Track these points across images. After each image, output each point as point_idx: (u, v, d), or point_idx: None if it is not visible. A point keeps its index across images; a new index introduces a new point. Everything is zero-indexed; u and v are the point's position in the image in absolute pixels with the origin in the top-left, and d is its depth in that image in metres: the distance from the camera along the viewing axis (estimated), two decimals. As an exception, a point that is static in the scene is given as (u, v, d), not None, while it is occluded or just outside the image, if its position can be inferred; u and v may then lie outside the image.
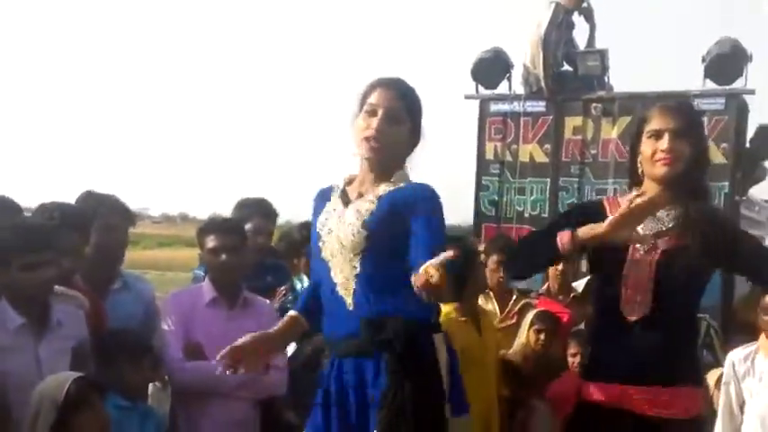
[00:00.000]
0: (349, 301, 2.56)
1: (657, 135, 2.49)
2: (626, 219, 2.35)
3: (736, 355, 3.48)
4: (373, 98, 2.59)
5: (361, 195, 2.61)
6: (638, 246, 2.51)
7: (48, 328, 2.95)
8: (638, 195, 2.41)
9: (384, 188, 2.58)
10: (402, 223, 2.48)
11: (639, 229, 2.49)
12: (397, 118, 2.57)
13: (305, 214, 4.90)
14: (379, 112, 2.56)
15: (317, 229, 2.66)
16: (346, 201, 2.64)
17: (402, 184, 2.59)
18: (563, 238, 2.44)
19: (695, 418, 2.60)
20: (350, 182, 2.69)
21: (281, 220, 4.77)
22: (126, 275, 3.62)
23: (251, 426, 3.49)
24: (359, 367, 2.53)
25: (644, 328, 2.51)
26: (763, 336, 3.48)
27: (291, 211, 4.38)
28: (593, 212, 2.53)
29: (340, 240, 2.57)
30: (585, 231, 2.42)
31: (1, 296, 2.88)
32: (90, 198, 3.51)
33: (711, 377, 3.87)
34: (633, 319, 2.52)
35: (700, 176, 2.60)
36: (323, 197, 2.73)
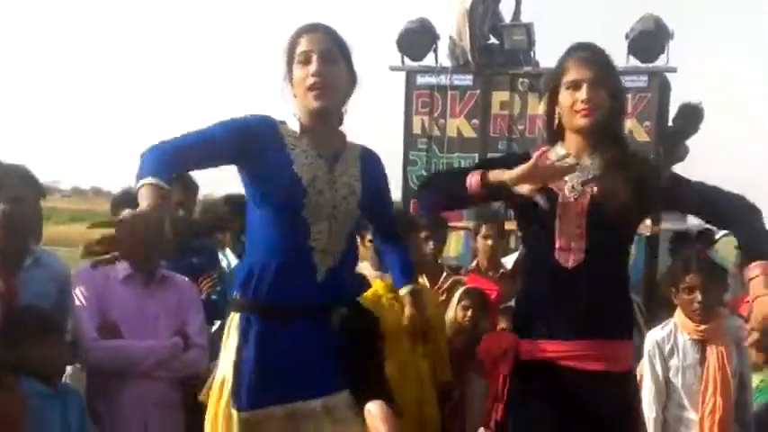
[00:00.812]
0: (322, 271, 2.47)
1: (576, 86, 2.50)
2: (531, 172, 2.37)
3: (657, 335, 3.54)
4: (303, 45, 2.48)
5: (335, 157, 2.53)
6: (566, 192, 2.52)
7: None
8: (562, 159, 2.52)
9: (353, 155, 2.57)
10: (369, 203, 2.57)
11: (567, 178, 2.52)
12: (333, 58, 2.47)
13: (226, 187, 4.77)
14: (314, 57, 2.45)
15: (303, 182, 2.44)
16: (327, 160, 2.50)
17: (359, 149, 2.60)
18: (473, 176, 2.47)
19: (631, 369, 2.67)
20: (301, 132, 2.50)
21: (200, 194, 4.58)
22: (38, 252, 3.40)
23: (173, 406, 3.37)
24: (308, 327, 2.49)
25: (580, 278, 2.50)
26: (679, 312, 3.51)
27: (211, 183, 4.20)
28: (515, 162, 2.48)
29: (333, 209, 2.47)
30: (495, 174, 2.44)
31: None
32: None
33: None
34: (569, 266, 2.51)
35: (619, 124, 2.65)
36: (273, 131, 2.48)
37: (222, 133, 2.37)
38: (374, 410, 2.46)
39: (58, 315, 3.12)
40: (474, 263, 4.76)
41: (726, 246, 8.12)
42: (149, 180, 2.14)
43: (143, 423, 3.26)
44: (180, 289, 3.47)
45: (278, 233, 2.44)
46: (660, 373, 3.48)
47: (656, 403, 3.45)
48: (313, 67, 2.43)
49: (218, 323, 3.68)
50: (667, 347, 3.48)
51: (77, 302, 3.26)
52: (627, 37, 5.99)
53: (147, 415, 3.27)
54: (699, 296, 3.39)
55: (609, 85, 2.53)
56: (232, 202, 4.64)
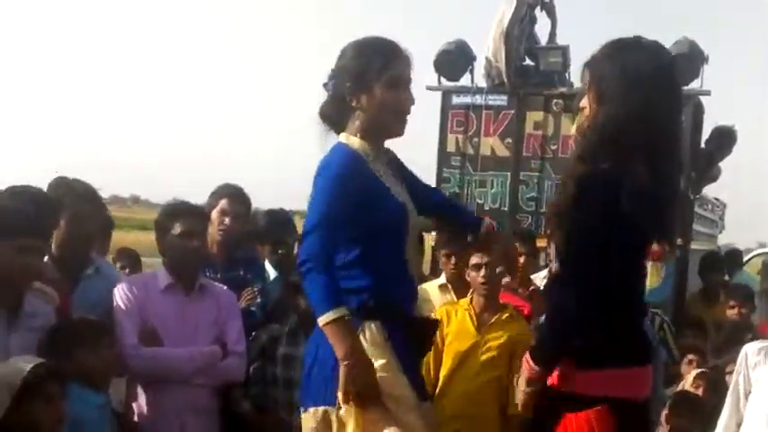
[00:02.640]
0: (412, 280, 2.67)
1: None
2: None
3: (750, 348, 3.49)
4: (394, 69, 2.55)
5: (391, 174, 2.63)
6: None
7: (20, 319, 2.92)
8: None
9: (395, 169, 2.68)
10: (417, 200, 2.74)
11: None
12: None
13: (269, 202, 4.88)
14: (405, 84, 2.57)
15: (401, 201, 2.59)
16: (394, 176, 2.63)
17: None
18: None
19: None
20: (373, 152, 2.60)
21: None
22: (100, 262, 3.58)
23: (211, 413, 3.47)
24: None
25: None
26: None
27: (255, 198, 4.31)
28: None
29: (414, 221, 2.62)
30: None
31: None
32: (61, 185, 3.45)
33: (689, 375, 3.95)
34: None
35: None
36: (363, 167, 2.55)
37: (336, 211, 2.45)
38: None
39: (109, 323, 3.25)
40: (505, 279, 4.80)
41: (754, 266, 8.12)
42: (333, 316, 2.35)
43: (180, 427, 3.34)
44: (219, 298, 3.54)
45: (386, 253, 2.56)
46: (741, 383, 3.40)
47: (727, 409, 3.42)
48: (408, 94, 2.55)
49: (254, 332, 3.78)
50: (756, 358, 3.39)
51: (118, 310, 3.36)
52: (662, 61, 6.01)
53: (185, 420, 3.34)
54: None
55: None
56: (272, 216, 4.75)
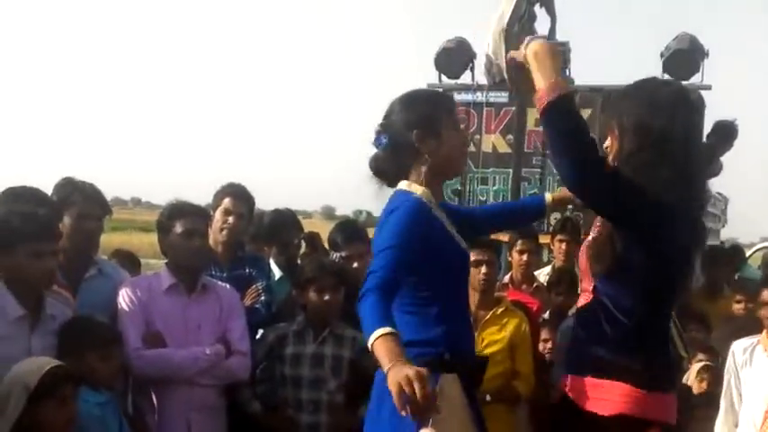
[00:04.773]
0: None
1: None
2: None
3: (738, 346, 3.52)
4: (455, 113, 2.69)
5: (449, 219, 2.63)
6: None
7: (41, 321, 2.95)
8: None
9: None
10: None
11: None
12: None
13: (274, 202, 4.87)
14: (460, 124, 2.71)
15: (464, 248, 2.62)
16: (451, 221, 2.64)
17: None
18: None
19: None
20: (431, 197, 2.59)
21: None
22: (102, 263, 3.59)
23: (218, 413, 3.49)
24: None
25: None
26: (765, 330, 3.48)
27: (261, 198, 4.31)
28: None
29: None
30: None
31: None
32: (68, 185, 3.46)
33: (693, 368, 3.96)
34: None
35: None
36: (429, 215, 2.53)
37: (407, 257, 2.37)
38: None
39: (114, 326, 3.27)
40: (507, 276, 4.82)
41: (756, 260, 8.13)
42: (382, 332, 2.16)
43: (187, 427, 3.35)
44: (221, 297, 3.54)
45: (453, 300, 2.57)
46: (734, 383, 3.46)
47: (722, 410, 3.46)
48: (466, 133, 2.74)
49: (261, 331, 3.80)
50: (743, 357, 3.45)
51: (122, 311, 3.37)
52: (662, 55, 6.04)
53: (191, 419, 3.35)
54: None
55: None
56: (277, 216, 4.77)
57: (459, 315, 2.60)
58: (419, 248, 2.39)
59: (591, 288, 2.47)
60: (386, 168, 2.61)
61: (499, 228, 3.02)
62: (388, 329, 2.14)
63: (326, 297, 3.57)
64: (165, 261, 3.58)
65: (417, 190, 2.54)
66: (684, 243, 2.35)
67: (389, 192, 2.62)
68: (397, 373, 2.00)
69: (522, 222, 3.56)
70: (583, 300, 2.55)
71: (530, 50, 2.38)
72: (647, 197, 2.28)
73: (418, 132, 2.54)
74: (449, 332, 2.49)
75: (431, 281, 2.50)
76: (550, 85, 2.29)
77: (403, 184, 2.58)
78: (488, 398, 3.67)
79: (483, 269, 3.80)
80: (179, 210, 3.50)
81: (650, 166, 2.31)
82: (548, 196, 2.94)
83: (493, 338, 3.81)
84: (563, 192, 2.85)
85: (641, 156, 2.35)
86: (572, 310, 4.39)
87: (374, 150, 2.63)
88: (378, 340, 2.12)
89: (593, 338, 2.44)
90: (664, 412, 2.39)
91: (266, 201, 4.98)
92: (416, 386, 1.94)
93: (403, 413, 1.98)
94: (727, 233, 8.64)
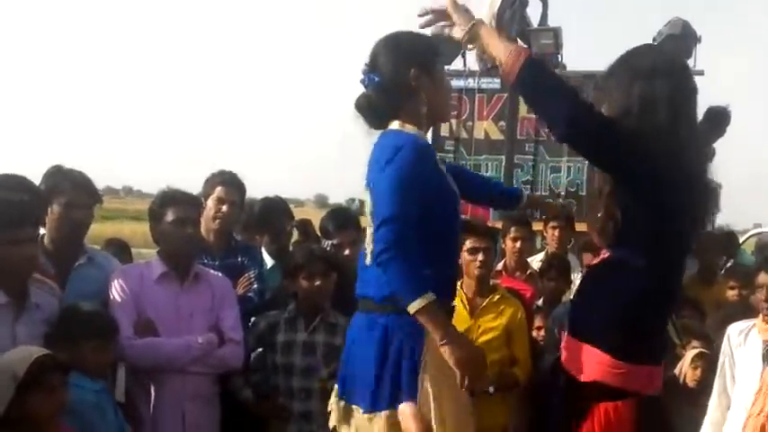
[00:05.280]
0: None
1: None
2: None
3: (734, 329, 3.52)
4: (441, 61, 2.67)
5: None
6: None
7: (26, 309, 2.92)
8: None
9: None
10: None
11: None
12: None
13: (266, 190, 4.83)
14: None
15: (454, 189, 2.60)
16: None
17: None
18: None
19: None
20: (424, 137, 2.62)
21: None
22: (92, 252, 3.56)
23: (211, 401, 3.48)
24: None
25: None
26: (761, 314, 3.47)
27: (253, 187, 4.29)
28: None
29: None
30: None
31: None
32: (57, 173, 3.42)
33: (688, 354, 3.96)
34: None
35: None
36: (433, 157, 2.56)
37: (413, 197, 2.40)
38: (407, 410, 2.45)
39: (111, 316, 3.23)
40: (501, 263, 4.80)
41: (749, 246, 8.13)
42: (423, 302, 2.34)
43: (181, 416, 3.34)
44: (214, 285, 3.53)
45: (447, 244, 2.57)
46: (727, 365, 3.46)
47: (716, 392, 3.46)
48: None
49: (253, 319, 3.78)
50: (738, 339, 3.45)
51: (113, 300, 3.34)
52: (654, 41, 6.02)
53: (185, 408, 3.34)
54: (766, 295, 3.36)
55: None
56: (268, 204, 4.74)
57: (451, 257, 2.61)
58: (424, 192, 2.42)
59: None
60: (377, 107, 2.56)
61: (470, 198, 3.02)
62: (428, 299, 2.33)
63: (317, 283, 3.56)
64: (157, 250, 3.56)
65: (412, 130, 2.53)
66: (684, 196, 2.34)
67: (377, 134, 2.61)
68: (458, 350, 2.33)
69: (494, 204, 3.53)
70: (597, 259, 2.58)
71: (473, 35, 2.47)
72: (643, 144, 2.29)
73: (415, 70, 2.52)
74: (439, 273, 2.48)
75: (430, 224, 2.47)
76: (512, 53, 2.34)
77: (395, 125, 2.56)
78: (492, 389, 3.68)
79: (480, 256, 3.78)
80: (171, 198, 3.48)
81: (637, 130, 2.33)
82: (527, 195, 3.00)
83: (489, 326, 3.80)
84: (539, 197, 2.93)
85: (629, 120, 2.36)
86: (565, 297, 4.40)
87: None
88: (422, 311, 2.33)
89: (597, 296, 2.47)
90: (642, 384, 2.39)
91: (259, 189, 4.95)
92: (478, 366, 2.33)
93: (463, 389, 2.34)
94: (721, 220, 8.66)
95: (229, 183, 4.04)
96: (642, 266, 2.35)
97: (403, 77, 2.54)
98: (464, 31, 2.50)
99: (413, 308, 2.33)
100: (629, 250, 2.37)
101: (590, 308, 2.49)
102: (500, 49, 2.39)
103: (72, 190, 3.36)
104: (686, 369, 3.92)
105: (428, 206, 2.44)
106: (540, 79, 2.35)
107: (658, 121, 2.33)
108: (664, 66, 2.43)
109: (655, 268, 2.36)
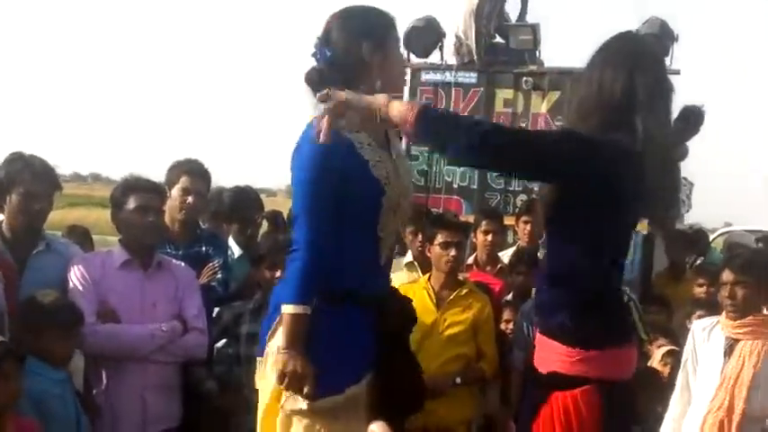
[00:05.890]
0: (383, 255, 2.61)
1: None
2: None
3: (698, 325, 3.53)
4: (394, 36, 2.63)
5: (388, 142, 2.59)
6: None
7: None
8: None
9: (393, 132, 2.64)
10: None
11: None
12: None
13: (237, 179, 4.75)
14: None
15: (381, 182, 2.50)
16: (385, 148, 2.56)
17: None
18: None
19: None
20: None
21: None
22: (50, 239, 3.48)
23: (173, 391, 3.43)
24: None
25: None
26: (724, 311, 3.46)
27: (226, 176, 4.23)
28: None
29: (403, 193, 2.58)
30: None
31: None
32: (17, 161, 3.33)
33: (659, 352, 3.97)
34: None
35: None
36: (347, 149, 2.47)
37: (329, 200, 2.40)
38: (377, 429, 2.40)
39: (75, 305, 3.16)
40: (472, 257, 4.78)
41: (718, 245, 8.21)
42: (297, 310, 2.37)
43: (141, 405, 3.29)
44: (177, 274, 3.50)
45: (365, 230, 2.52)
46: (690, 361, 3.46)
47: (678, 387, 3.47)
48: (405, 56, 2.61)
49: (217, 309, 3.74)
50: (701, 335, 3.46)
51: (74, 288, 3.29)
52: (632, 39, 6.00)
53: (146, 397, 3.30)
54: (729, 292, 3.36)
55: None
56: (238, 194, 4.68)
57: (370, 249, 2.55)
58: (333, 183, 2.40)
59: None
60: (328, 82, 2.47)
61: None
62: (305, 310, 2.36)
63: (279, 274, 3.49)
64: (119, 238, 3.50)
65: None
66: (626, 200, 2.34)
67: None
68: (288, 365, 2.34)
69: None
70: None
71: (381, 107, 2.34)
72: (588, 144, 2.29)
73: (368, 45, 2.50)
74: (356, 264, 2.48)
75: (342, 209, 2.45)
76: (406, 108, 2.29)
77: None
78: (458, 380, 3.71)
79: (452, 251, 3.79)
80: (133, 185, 3.44)
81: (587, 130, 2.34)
82: None
83: (456, 319, 3.80)
84: None
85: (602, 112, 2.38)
86: (533, 291, 4.40)
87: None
88: (293, 315, 2.35)
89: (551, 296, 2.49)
90: (606, 369, 2.37)
91: (230, 178, 4.88)
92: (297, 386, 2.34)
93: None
94: (692, 218, 8.74)
95: (195, 172, 3.96)
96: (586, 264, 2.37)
97: (355, 52, 2.50)
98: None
99: (286, 309, 2.37)
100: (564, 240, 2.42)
101: (543, 300, 2.53)
102: (395, 109, 2.31)
103: (31, 180, 3.28)
104: (656, 365, 3.93)
105: (343, 196, 2.42)
106: (436, 121, 2.32)
107: (629, 115, 2.36)
108: (643, 58, 2.44)
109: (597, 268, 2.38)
